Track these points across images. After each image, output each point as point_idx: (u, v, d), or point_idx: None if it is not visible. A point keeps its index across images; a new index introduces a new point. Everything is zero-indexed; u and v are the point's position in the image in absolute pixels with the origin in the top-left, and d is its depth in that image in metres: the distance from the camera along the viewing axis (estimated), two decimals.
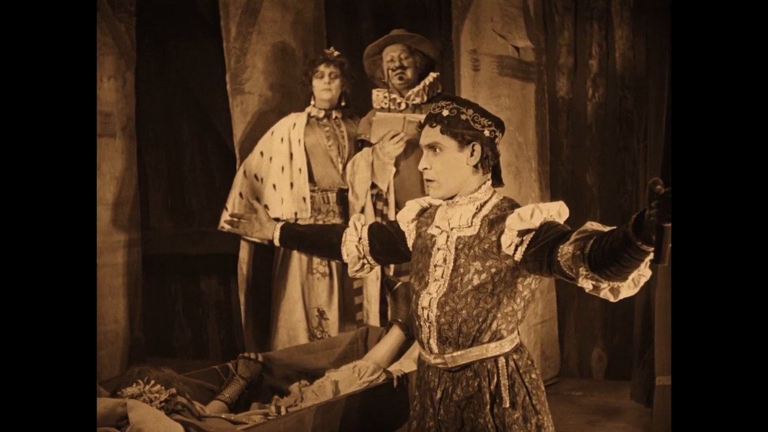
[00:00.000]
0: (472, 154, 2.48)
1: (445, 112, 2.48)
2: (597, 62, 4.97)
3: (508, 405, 2.43)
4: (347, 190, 4.50)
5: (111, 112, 4.88)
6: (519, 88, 4.51)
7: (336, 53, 4.56)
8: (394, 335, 3.68)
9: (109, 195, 4.90)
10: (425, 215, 2.68)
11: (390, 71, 4.43)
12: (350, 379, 3.41)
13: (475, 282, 2.42)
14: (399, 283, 3.94)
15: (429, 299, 2.49)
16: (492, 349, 2.45)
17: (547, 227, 2.34)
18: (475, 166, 2.49)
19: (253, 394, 3.52)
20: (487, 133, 2.48)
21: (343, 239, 2.89)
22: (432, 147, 2.49)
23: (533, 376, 2.49)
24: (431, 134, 2.49)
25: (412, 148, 4.40)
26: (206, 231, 5.28)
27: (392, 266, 4.34)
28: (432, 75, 4.47)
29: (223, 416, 3.10)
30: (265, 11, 4.76)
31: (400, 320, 3.74)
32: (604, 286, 2.19)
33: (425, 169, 2.51)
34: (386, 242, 2.80)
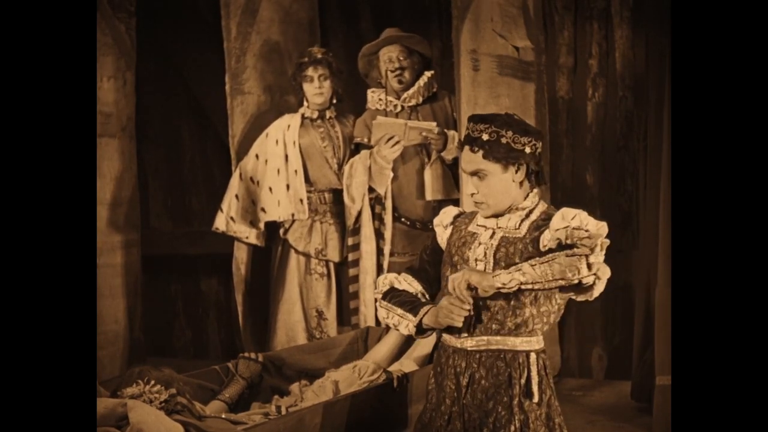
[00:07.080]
0: (517, 172, 2.50)
1: (485, 137, 2.47)
2: (597, 62, 4.96)
3: (537, 400, 2.47)
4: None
5: (111, 112, 4.89)
6: (519, 88, 4.50)
7: (320, 52, 4.47)
8: (394, 335, 3.68)
9: (109, 195, 4.90)
10: (462, 217, 2.69)
11: (389, 72, 4.36)
12: (350, 379, 3.41)
13: None
14: None
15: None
16: (523, 343, 2.49)
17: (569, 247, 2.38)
18: (521, 181, 2.52)
19: (253, 394, 3.52)
20: (528, 150, 2.50)
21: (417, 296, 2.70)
22: (476, 173, 2.50)
23: (553, 379, 2.56)
24: (474, 160, 2.50)
25: (411, 154, 4.36)
26: (206, 231, 5.25)
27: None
28: (426, 74, 4.42)
29: (223, 416, 3.10)
30: (263, 11, 4.75)
31: None
32: None
33: (473, 194, 2.52)
34: (435, 272, 2.70)
